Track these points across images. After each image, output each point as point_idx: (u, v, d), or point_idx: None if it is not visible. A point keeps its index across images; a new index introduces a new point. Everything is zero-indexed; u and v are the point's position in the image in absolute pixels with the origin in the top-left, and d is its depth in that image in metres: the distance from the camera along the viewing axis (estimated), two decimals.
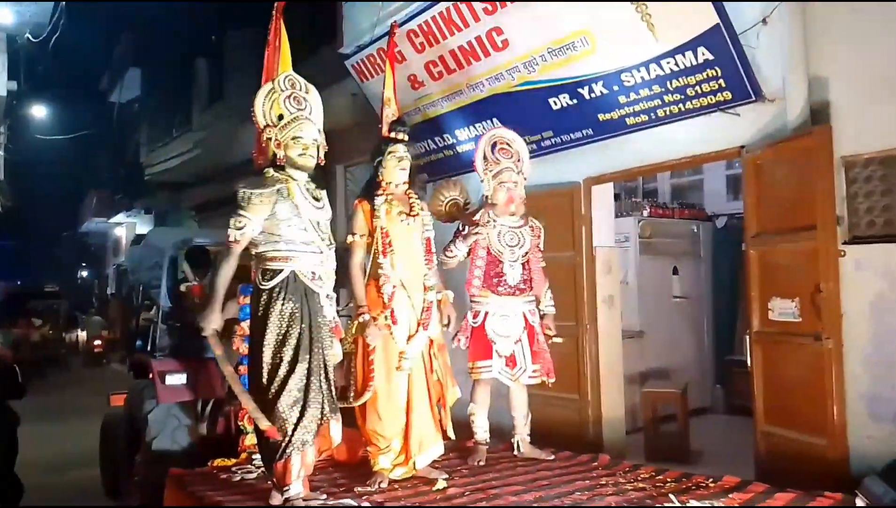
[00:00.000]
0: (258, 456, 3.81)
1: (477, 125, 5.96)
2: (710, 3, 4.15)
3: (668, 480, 3.76)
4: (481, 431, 4.36)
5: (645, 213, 7.40)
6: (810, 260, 4.04)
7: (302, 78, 3.55)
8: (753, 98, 4.37)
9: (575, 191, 5.64)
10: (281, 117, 3.41)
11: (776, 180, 4.33)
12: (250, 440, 4.15)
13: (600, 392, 5.56)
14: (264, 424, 3.22)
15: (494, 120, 5.79)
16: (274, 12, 3.83)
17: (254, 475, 3.95)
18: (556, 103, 5.33)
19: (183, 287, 5.50)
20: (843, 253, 3.96)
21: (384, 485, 3.72)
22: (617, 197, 6.41)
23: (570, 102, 5.25)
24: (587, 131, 5.36)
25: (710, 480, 3.69)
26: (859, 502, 3.18)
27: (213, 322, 3.25)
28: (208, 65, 14.53)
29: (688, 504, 3.19)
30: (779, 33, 4.23)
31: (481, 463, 4.20)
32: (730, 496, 3.38)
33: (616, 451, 5.20)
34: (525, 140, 5.63)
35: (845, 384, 3.91)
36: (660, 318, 7.20)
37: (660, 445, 5.72)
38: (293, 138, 3.39)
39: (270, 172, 3.43)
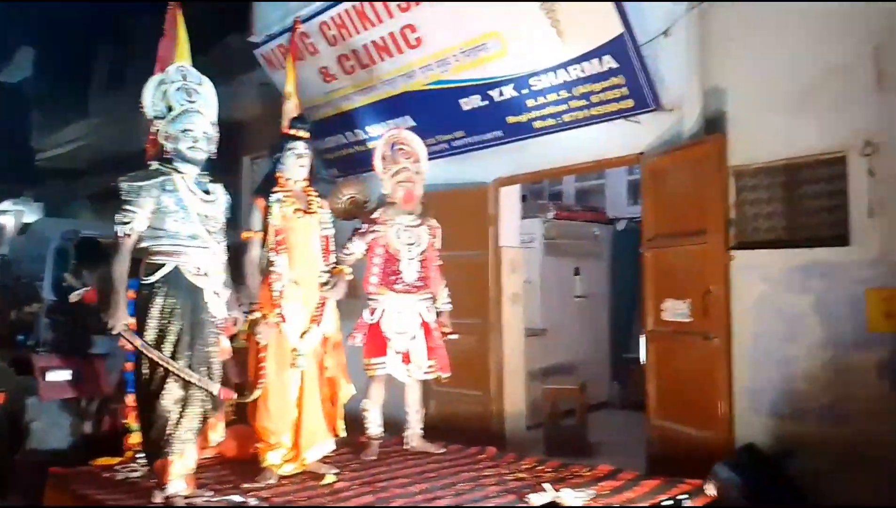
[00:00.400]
0: (143, 454, 3.74)
1: (389, 122, 5.96)
2: (615, 14, 4.32)
3: (547, 470, 3.97)
4: (374, 426, 4.43)
5: (550, 214, 7.60)
6: (701, 263, 4.27)
7: (195, 70, 3.50)
8: (653, 107, 4.57)
9: (484, 191, 5.74)
10: (171, 109, 3.35)
11: (671, 186, 4.55)
12: (135, 438, 4.04)
13: (503, 388, 5.68)
14: (215, 388, 3.24)
15: (407, 117, 5.81)
16: (170, 3, 3.74)
17: (138, 473, 3.85)
18: (467, 104, 5.40)
19: (75, 296, 5.27)
20: (731, 257, 4.21)
21: (272, 481, 3.72)
22: (524, 198, 6.56)
23: (481, 104, 5.33)
24: (497, 133, 5.46)
25: (586, 469, 3.93)
26: (709, 487, 3.47)
27: (120, 319, 3.20)
28: (109, 48, 13.85)
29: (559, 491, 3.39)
30: (679, 46, 4.45)
31: (373, 458, 4.26)
32: (601, 483, 3.62)
33: (517, 445, 5.33)
34: (436, 139, 5.75)
35: (732, 380, 4.14)
36: (562, 316, 7.42)
37: (559, 439, 5.89)
38: (182, 131, 3.33)
39: (155, 165, 3.39)
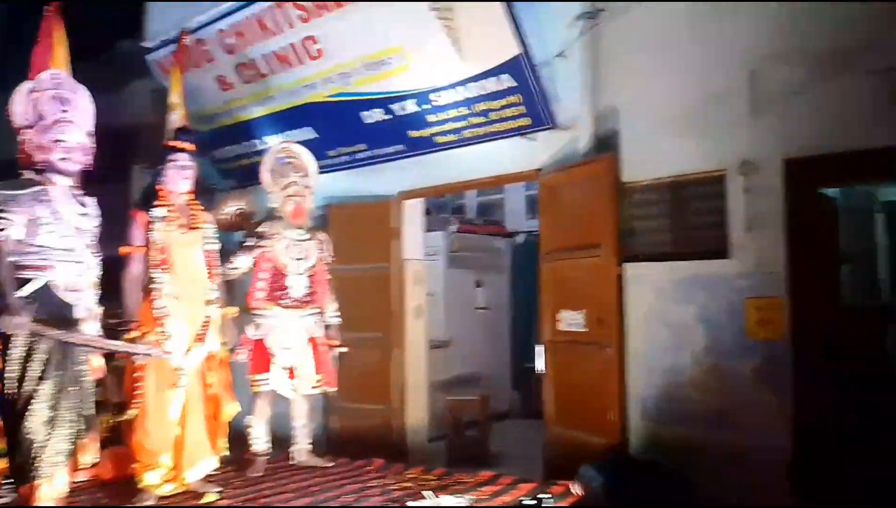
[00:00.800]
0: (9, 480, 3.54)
1: (290, 133, 5.88)
2: (513, 35, 4.45)
3: (432, 478, 4.10)
4: (259, 442, 4.41)
5: (453, 228, 7.71)
6: (595, 276, 4.44)
7: (70, 77, 3.35)
8: (550, 125, 4.73)
9: (388, 204, 5.75)
10: (42, 118, 3.18)
11: (567, 202, 4.72)
12: (3, 462, 3.81)
13: (407, 401, 5.69)
14: (142, 349, 3.36)
15: (308, 129, 5.75)
16: (46, 10, 3.58)
17: (6, 500, 3.64)
18: (369, 117, 5.41)
19: None
20: (623, 270, 4.39)
21: (150, 502, 3.64)
22: (427, 212, 6.62)
23: (384, 117, 5.35)
24: (399, 147, 5.49)
25: (468, 476, 4.09)
26: (575, 487, 3.71)
27: (24, 316, 2.97)
28: None
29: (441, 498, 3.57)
30: (574, 67, 4.62)
31: (259, 474, 4.21)
32: (481, 488, 3.81)
33: (420, 458, 5.35)
34: (339, 152, 5.73)
35: (624, 388, 4.32)
36: (464, 328, 7.52)
37: (461, 450, 5.94)
38: (55, 141, 3.17)
39: (28, 174, 3.21)
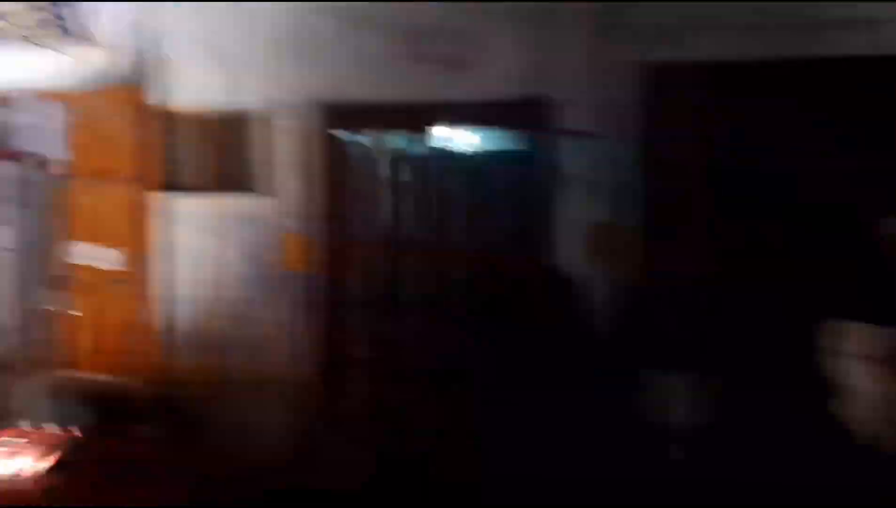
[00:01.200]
0: None
1: None
2: None
3: None
4: None
5: None
6: (129, 209, 4.31)
7: None
8: (87, 42, 4.35)
9: None
10: None
11: (100, 128, 4.41)
12: None
13: None
14: None
15: None
16: None
17: None
18: None
19: None
20: (161, 203, 4.31)
21: None
22: None
23: None
24: None
25: None
26: (23, 424, 3.80)
27: None
28: None
29: None
30: None
31: None
32: None
33: None
34: None
35: (160, 325, 4.31)
36: None
37: None
38: None
39: None
